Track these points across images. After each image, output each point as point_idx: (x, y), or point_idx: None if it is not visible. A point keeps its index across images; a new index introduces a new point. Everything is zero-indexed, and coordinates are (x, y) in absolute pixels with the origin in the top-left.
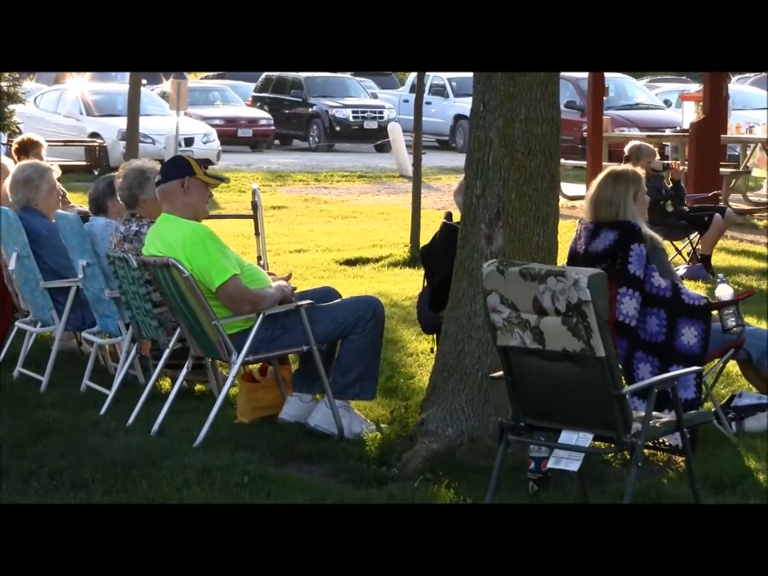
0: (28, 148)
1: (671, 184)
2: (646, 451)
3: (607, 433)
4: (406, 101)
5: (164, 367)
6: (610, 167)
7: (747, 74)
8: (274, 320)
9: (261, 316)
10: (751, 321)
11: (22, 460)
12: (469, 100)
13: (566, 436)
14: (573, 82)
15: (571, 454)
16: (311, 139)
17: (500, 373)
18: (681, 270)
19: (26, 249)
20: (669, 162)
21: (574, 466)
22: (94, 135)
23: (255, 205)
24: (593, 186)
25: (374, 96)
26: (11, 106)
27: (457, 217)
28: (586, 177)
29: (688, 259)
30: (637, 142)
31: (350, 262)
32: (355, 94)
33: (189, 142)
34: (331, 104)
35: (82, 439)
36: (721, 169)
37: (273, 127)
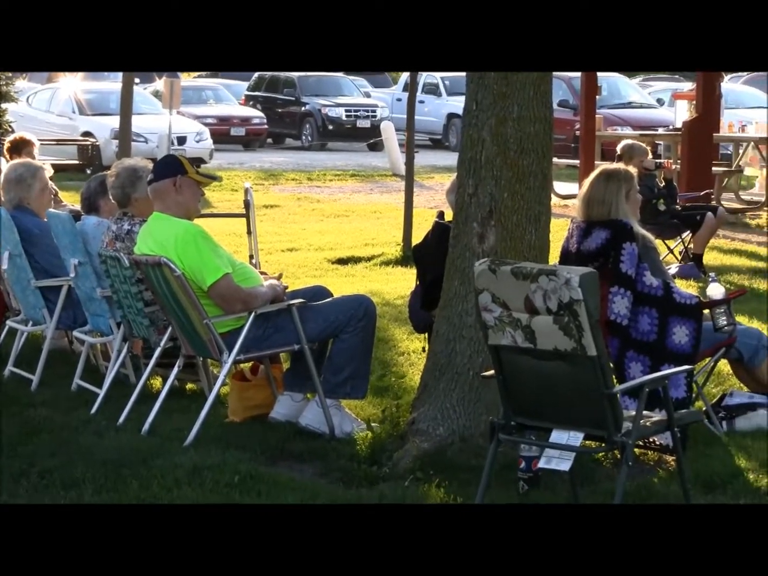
0: (20, 147)
1: (664, 183)
2: (636, 450)
3: (597, 433)
4: (399, 100)
5: (155, 366)
6: (602, 166)
7: (740, 73)
8: (266, 319)
9: (252, 314)
10: (742, 320)
11: (12, 459)
12: (462, 98)
13: (557, 436)
14: (566, 81)
15: (562, 453)
16: (304, 137)
17: (491, 372)
18: (673, 269)
19: (18, 248)
20: (661, 161)
21: (565, 465)
22: (87, 134)
23: (247, 204)
24: (585, 185)
25: (367, 95)
26: (4, 105)
27: (449, 215)
28: (579, 176)
29: (680, 258)
30: (629, 141)
31: (342, 261)
32: (348, 92)
33: (182, 140)
34: (324, 103)
35: (73, 438)
36: (714, 168)
37: (266, 126)
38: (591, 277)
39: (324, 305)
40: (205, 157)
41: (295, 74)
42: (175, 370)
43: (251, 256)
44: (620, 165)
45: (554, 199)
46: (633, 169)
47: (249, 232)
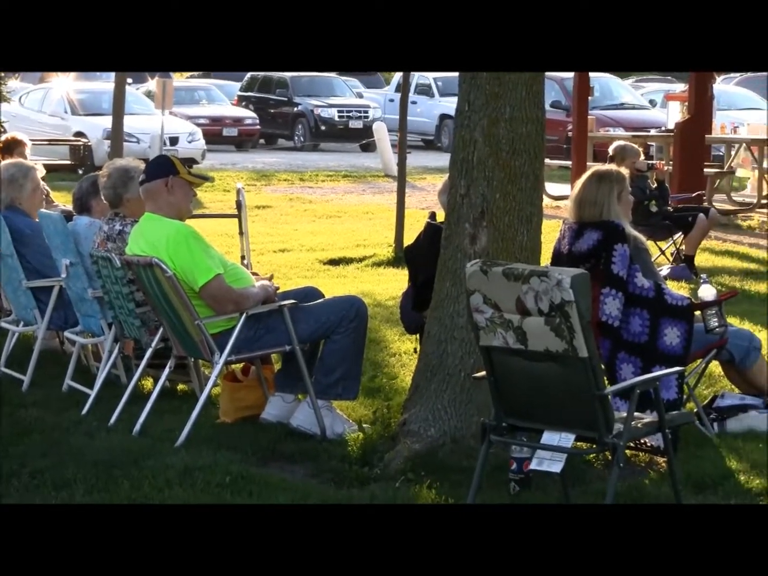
0: (12, 147)
1: (655, 185)
2: (627, 451)
3: (589, 434)
4: (391, 101)
5: (146, 367)
6: (594, 167)
7: (732, 74)
8: (257, 320)
9: (244, 315)
10: (733, 321)
11: (3, 459)
12: (455, 99)
13: (548, 437)
14: (558, 81)
15: (554, 455)
16: (296, 138)
17: (483, 373)
18: (664, 270)
19: (9, 248)
20: (653, 162)
21: (556, 467)
22: (79, 134)
23: (239, 205)
24: (577, 186)
25: (359, 95)
26: None
27: (441, 216)
28: (571, 177)
29: (671, 259)
30: (621, 142)
31: (334, 262)
32: (341, 93)
33: (174, 141)
34: (317, 103)
35: (64, 439)
36: (706, 170)
37: (258, 127)
38: (582, 279)
39: (315, 306)
40: (198, 158)
41: (287, 75)
42: (167, 370)
43: (243, 257)
44: (612, 166)
45: (546, 200)
46: (625, 171)
47: (241, 233)
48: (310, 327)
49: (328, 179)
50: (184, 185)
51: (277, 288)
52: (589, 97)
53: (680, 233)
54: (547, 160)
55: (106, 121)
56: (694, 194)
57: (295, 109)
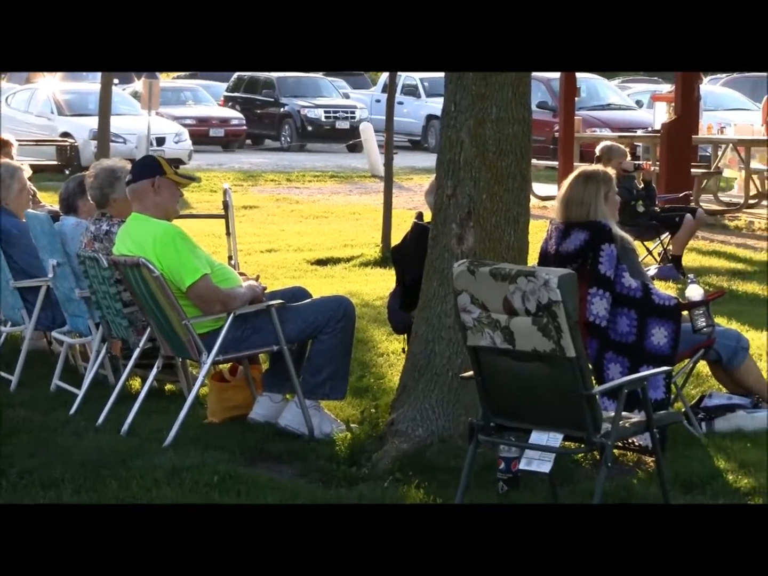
0: None
1: (642, 185)
2: (615, 451)
3: (577, 434)
4: (378, 101)
5: (134, 367)
6: (581, 168)
7: (719, 75)
8: (245, 320)
9: (231, 315)
10: (721, 321)
11: None
12: (441, 100)
13: (536, 437)
14: (545, 82)
15: (542, 455)
16: (283, 139)
17: (470, 373)
18: (652, 270)
19: None
20: (640, 162)
21: (545, 467)
22: (66, 134)
23: (226, 205)
24: (564, 186)
25: (346, 96)
26: None
27: (428, 217)
28: (558, 177)
29: (658, 259)
30: (608, 143)
31: (321, 262)
32: (327, 93)
33: (161, 141)
34: (303, 104)
35: (52, 439)
36: (693, 170)
37: (245, 127)
38: (570, 279)
39: (303, 306)
40: (184, 158)
41: (273, 75)
42: (154, 370)
43: (230, 257)
44: (599, 166)
45: (533, 201)
46: (612, 171)
47: (228, 233)
48: (298, 327)
49: (314, 180)
50: (171, 185)
51: (265, 288)
52: (576, 98)
53: (667, 233)
54: (533, 161)
55: (93, 122)
56: (681, 194)
57: (282, 109)
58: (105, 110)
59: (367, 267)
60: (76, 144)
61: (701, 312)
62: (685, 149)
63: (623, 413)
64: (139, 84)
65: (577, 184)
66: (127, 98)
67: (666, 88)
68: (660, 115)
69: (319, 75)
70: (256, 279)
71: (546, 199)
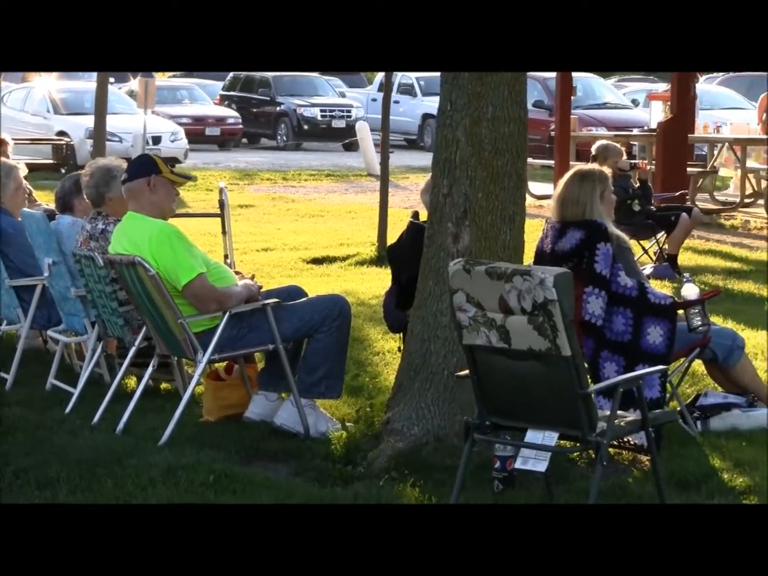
0: None
1: (638, 184)
2: (611, 450)
3: (572, 432)
4: (374, 100)
5: (130, 366)
6: (577, 166)
7: (715, 74)
8: (240, 319)
9: (227, 314)
10: (716, 320)
11: None
12: (437, 99)
13: (532, 435)
14: (541, 81)
15: (538, 454)
16: (279, 137)
17: (466, 372)
18: (647, 269)
19: None
20: (636, 161)
21: (541, 466)
22: (62, 133)
23: (222, 204)
24: (560, 185)
25: (342, 95)
26: None
27: (424, 215)
28: (554, 176)
29: (654, 258)
30: (604, 142)
31: (317, 261)
32: (323, 92)
33: (156, 140)
34: (299, 103)
35: (48, 438)
36: (689, 169)
37: (241, 126)
38: (565, 278)
39: (299, 305)
40: (180, 157)
41: (269, 74)
42: (150, 369)
43: (226, 256)
44: (595, 165)
45: (529, 200)
46: (608, 170)
47: (224, 232)
48: (294, 326)
49: (310, 178)
50: (167, 184)
51: (260, 287)
52: (572, 97)
53: (663, 232)
54: (529, 160)
55: (89, 121)
56: (677, 193)
57: (278, 108)
58: (101, 109)
59: (362, 266)
60: (72, 143)
61: (697, 311)
62: (681, 148)
63: (619, 412)
64: (135, 83)
65: (573, 183)
66: (123, 97)
67: (662, 87)
68: (656, 114)
69: (315, 74)
70: (252, 278)
71: (542, 198)
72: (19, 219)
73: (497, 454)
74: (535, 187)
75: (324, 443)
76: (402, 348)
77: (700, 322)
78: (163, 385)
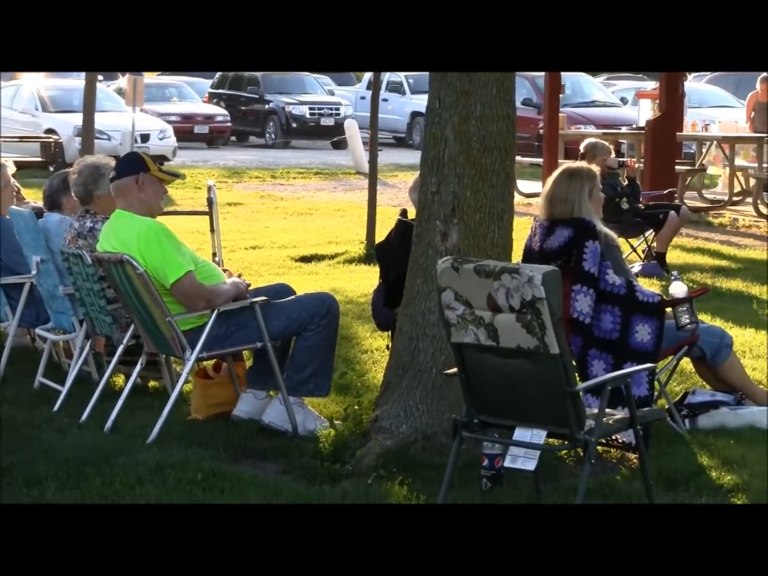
0: None
1: (627, 182)
2: (599, 448)
3: (560, 430)
4: (362, 98)
5: (118, 364)
6: (565, 164)
7: (703, 72)
8: (229, 317)
9: (215, 312)
10: (705, 318)
11: None
12: (426, 97)
13: (520, 433)
14: (529, 79)
15: (527, 452)
16: (268, 135)
17: (454, 370)
18: (636, 267)
19: None
20: (625, 159)
21: (530, 465)
22: (50, 131)
23: (210, 202)
24: (548, 183)
25: (331, 93)
26: None
27: (412, 214)
28: (542, 174)
29: (643, 256)
30: (592, 140)
31: (305, 259)
32: (312, 90)
33: (145, 138)
34: (288, 101)
35: (35, 436)
36: (677, 167)
37: (229, 124)
38: (554, 276)
39: (287, 303)
40: (169, 155)
41: (258, 72)
42: (138, 367)
43: (214, 254)
44: (583, 163)
45: (517, 198)
46: (596, 168)
47: (212, 230)
48: (282, 324)
49: (299, 176)
50: (155, 182)
51: (249, 285)
52: (560, 95)
53: (651, 230)
54: (518, 158)
55: (77, 118)
56: (665, 191)
57: (267, 106)
58: (89, 107)
59: (351, 264)
60: (60, 141)
61: (685, 309)
62: (669, 146)
63: (607, 410)
64: (123, 81)
65: (561, 181)
66: (112, 95)
67: (650, 85)
68: (644, 112)
69: (304, 72)
70: (239, 276)
71: (530, 196)
72: (7, 217)
73: (485, 452)
74: (524, 185)
75: (312, 441)
76: (390, 346)
77: (688, 320)
78: (152, 383)
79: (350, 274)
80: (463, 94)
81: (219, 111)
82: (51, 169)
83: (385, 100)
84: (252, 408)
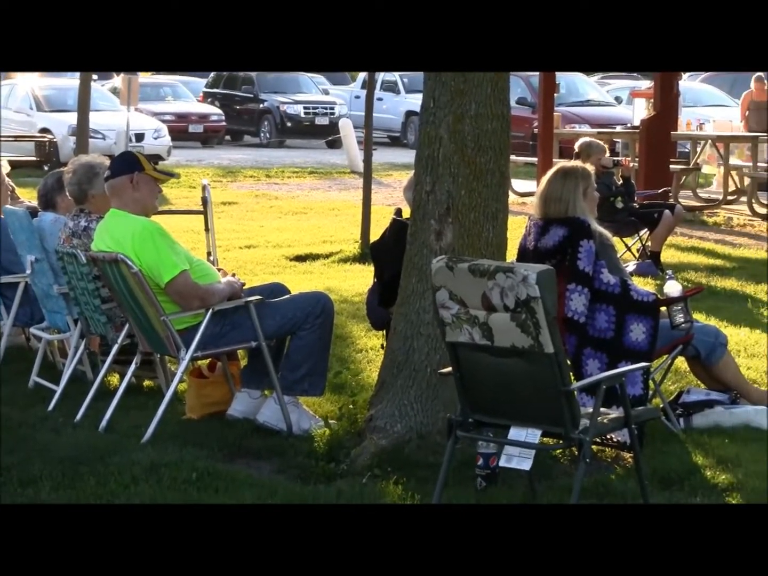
0: None
1: (621, 181)
2: (594, 447)
3: (555, 430)
4: (357, 97)
5: (113, 363)
6: (560, 164)
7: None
8: (223, 316)
9: (210, 311)
10: (699, 317)
11: None
12: (421, 96)
13: (515, 433)
14: (524, 78)
15: (523, 452)
16: (262, 135)
17: (449, 369)
18: (630, 266)
19: None
20: (619, 158)
21: (526, 465)
22: (45, 130)
23: (205, 201)
24: (543, 182)
25: (325, 92)
26: None
27: (407, 213)
28: (537, 173)
29: (637, 255)
30: (587, 139)
31: (300, 258)
32: (307, 90)
33: (140, 137)
34: (283, 100)
35: (30, 435)
36: (672, 166)
37: (224, 123)
38: (548, 275)
39: (282, 302)
40: (163, 154)
41: (253, 71)
42: (133, 367)
43: (209, 253)
44: (578, 163)
45: (512, 197)
46: (591, 167)
47: (207, 229)
48: (276, 323)
49: (294, 176)
50: (150, 181)
51: (243, 284)
52: (555, 94)
53: (646, 229)
54: (512, 157)
55: (72, 118)
56: (659, 191)
57: (261, 105)
58: (84, 106)
59: (346, 263)
60: (54, 140)
61: (679, 308)
62: (664, 145)
63: (601, 409)
64: (118, 80)
65: (556, 180)
66: (106, 94)
67: (645, 84)
68: (639, 112)
69: (298, 71)
70: (233, 276)
71: (525, 196)
72: (2, 216)
73: (480, 452)
74: (518, 184)
75: (307, 440)
76: (385, 345)
77: (682, 319)
78: (146, 383)
79: (345, 274)
80: (457, 94)
81: (214, 110)
82: (45, 168)
83: (379, 99)
84: (247, 407)
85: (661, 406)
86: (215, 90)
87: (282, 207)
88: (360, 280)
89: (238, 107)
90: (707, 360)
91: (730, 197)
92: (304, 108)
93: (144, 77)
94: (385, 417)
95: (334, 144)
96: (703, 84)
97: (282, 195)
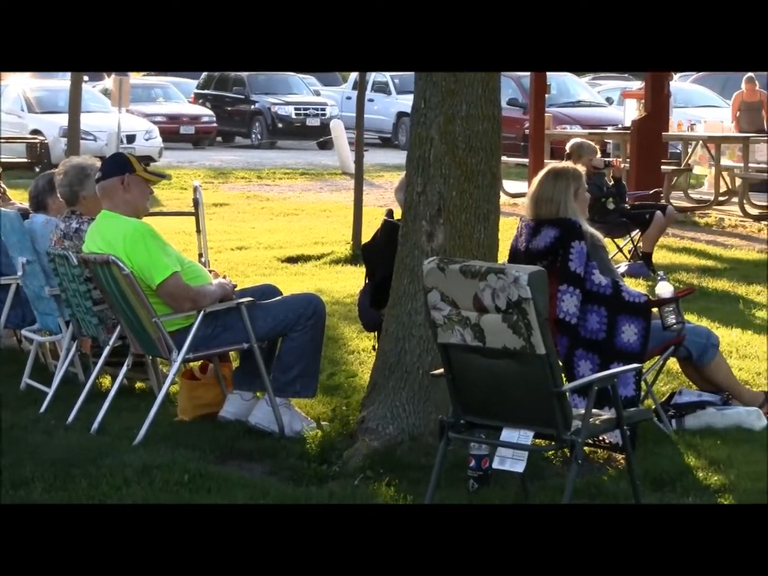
0: None
1: (612, 182)
2: (586, 448)
3: (547, 431)
4: (348, 98)
5: (104, 365)
6: (551, 165)
7: (689, 72)
8: (215, 318)
9: (201, 313)
10: (691, 318)
11: None
12: (412, 97)
13: (507, 434)
14: (515, 79)
15: (516, 454)
16: (254, 136)
17: (441, 370)
18: (622, 267)
19: None
20: (610, 159)
21: (519, 466)
22: (36, 132)
23: (196, 203)
24: (534, 183)
25: (317, 93)
26: None
27: (398, 214)
28: (528, 174)
29: (629, 256)
30: (578, 140)
31: (292, 260)
32: (298, 91)
33: (131, 139)
34: (274, 101)
35: (22, 437)
36: (663, 167)
37: (215, 124)
38: (540, 276)
39: (273, 304)
40: (155, 156)
41: (244, 72)
42: (124, 368)
43: (200, 255)
44: (569, 163)
45: (503, 198)
46: (582, 168)
47: (198, 231)
48: (268, 324)
49: (285, 177)
50: (141, 183)
51: (235, 286)
52: (546, 95)
53: (637, 230)
54: (504, 158)
55: (63, 119)
56: (651, 191)
57: (252, 106)
58: (75, 107)
59: (337, 264)
60: (46, 141)
61: (671, 309)
62: (655, 146)
63: (593, 410)
64: (109, 81)
65: (547, 181)
66: (98, 95)
67: (636, 84)
68: (630, 112)
69: (289, 72)
70: (224, 277)
71: (516, 197)
72: None
73: (472, 453)
74: (510, 185)
75: (299, 442)
76: (377, 347)
77: (674, 320)
78: (138, 385)
79: (336, 275)
80: (448, 94)
81: (205, 111)
82: (37, 169)
83: (370, 100)
84: (239, 409)
85: (653, 407)
86: (206, 91)
87: (273, 208)
88: (351, 281)
89: (229, 108)
90: (699, 361)
91: (721, 198)
92: (295, 109)
93: (135, 79)
94: (377, 419)
95: (326, 145)
96: (694, 85)
97: (273, 196)
